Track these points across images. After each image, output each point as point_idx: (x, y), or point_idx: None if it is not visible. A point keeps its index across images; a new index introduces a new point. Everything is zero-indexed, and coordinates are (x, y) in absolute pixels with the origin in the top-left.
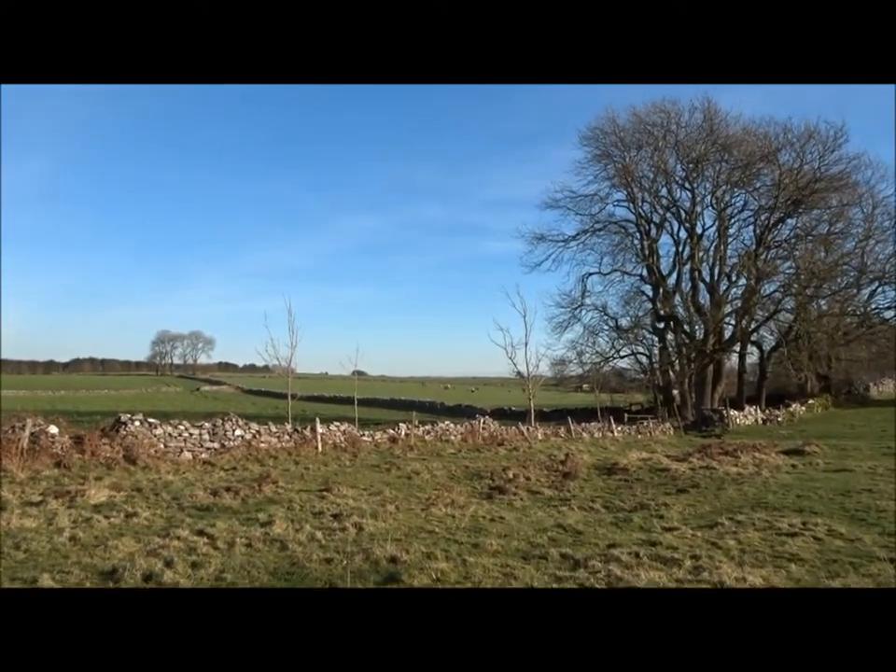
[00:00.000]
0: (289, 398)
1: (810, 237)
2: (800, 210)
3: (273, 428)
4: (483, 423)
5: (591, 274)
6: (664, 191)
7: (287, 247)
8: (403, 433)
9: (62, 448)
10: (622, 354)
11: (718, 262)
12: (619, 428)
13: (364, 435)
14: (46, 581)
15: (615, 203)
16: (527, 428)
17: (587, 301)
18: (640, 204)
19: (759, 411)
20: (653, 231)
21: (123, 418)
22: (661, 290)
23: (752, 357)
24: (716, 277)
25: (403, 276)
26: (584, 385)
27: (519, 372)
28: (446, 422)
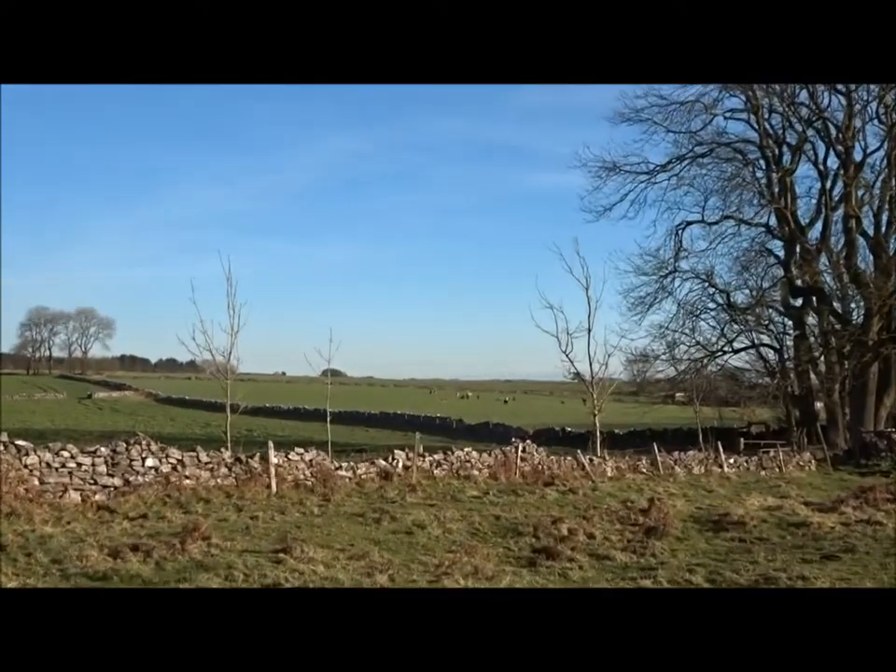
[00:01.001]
0: (228, 410)
1: None
2: None
3: (204, 457)
4: (523, 450)
5: (689, 224)
6: (803, 96)
7: (225, 184)
8: (400, 465)
9: None
10: (736, 346)
11: (887, 205)
12: (731, 460)
13: (341, 468)
14: None
15: (727, 115)
16: (590, 459)
17: (683, 264)
18: (767, 116)
19: None
20: (786, 158)
21: None
22: (798, 249)
23: None
24: (883, 228)
25: (402, 227)
26: (678, 395)
27: (577, 374)
28: (466, 449)
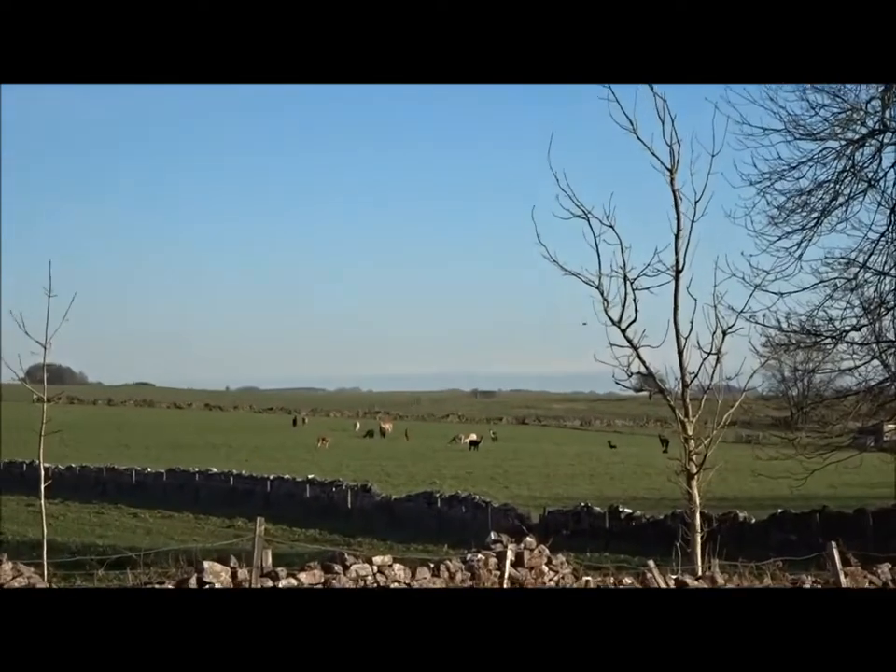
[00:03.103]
0: None
1: None
2: None
3: None
4: (516, 561)
5: None
6: None
7: None
8: None
9: None
10: None
11: None
12: None
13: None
14: None
15: None
16: (677, 577)
17: None
18: None
19: None
20: None
21: None
22: None
23: None
24: None
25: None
26: (890, 428)
27: (649, 376)
28: (378, 558)
